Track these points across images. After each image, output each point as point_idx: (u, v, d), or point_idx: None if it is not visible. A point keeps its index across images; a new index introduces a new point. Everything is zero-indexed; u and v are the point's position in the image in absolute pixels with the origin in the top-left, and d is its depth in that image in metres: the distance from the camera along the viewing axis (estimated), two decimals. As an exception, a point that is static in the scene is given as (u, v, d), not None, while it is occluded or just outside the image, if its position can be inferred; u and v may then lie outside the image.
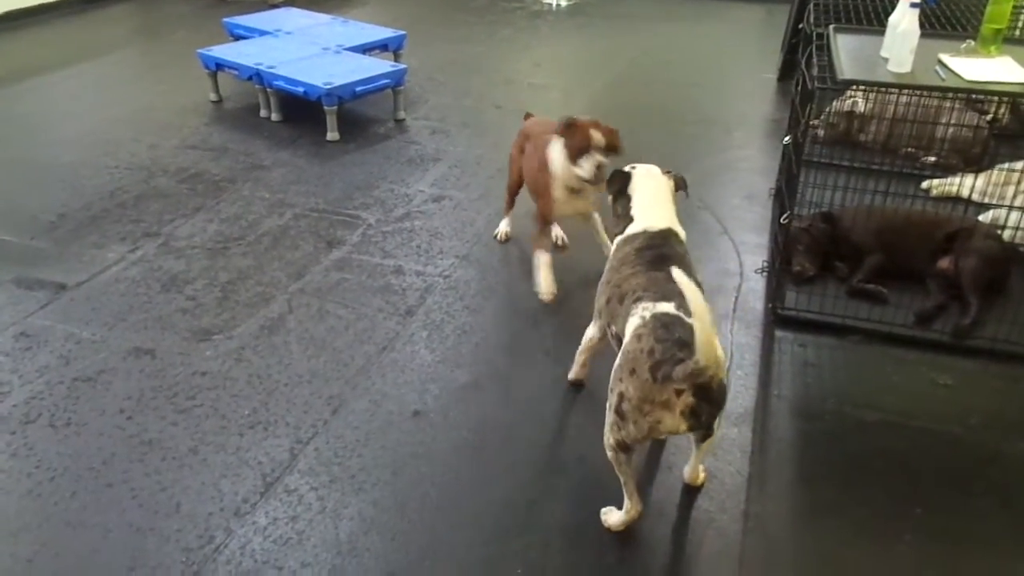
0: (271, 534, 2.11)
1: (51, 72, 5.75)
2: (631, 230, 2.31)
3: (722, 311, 3.06)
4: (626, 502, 2.07)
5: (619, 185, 2.43)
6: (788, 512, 2.21)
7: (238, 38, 5.55)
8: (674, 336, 1.82)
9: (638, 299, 1.99)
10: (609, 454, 2.01)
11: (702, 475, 2.25)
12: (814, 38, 3.18)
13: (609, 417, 1.97)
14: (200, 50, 5.03)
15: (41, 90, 5.43)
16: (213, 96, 5.16)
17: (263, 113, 4.92)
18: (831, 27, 3.17)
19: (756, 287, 3.22)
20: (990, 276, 3.05)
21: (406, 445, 2.42)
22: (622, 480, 2.04)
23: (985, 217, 3.47)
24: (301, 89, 4.51)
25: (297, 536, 2.11)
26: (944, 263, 3.13)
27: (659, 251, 2.17)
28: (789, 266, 3.18)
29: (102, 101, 5.31)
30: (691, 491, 2.26)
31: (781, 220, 3.00)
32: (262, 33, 5.42)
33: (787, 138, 3.54)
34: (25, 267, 3.31)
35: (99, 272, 3.29)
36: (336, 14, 5.99)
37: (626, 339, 1.95)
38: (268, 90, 4.77)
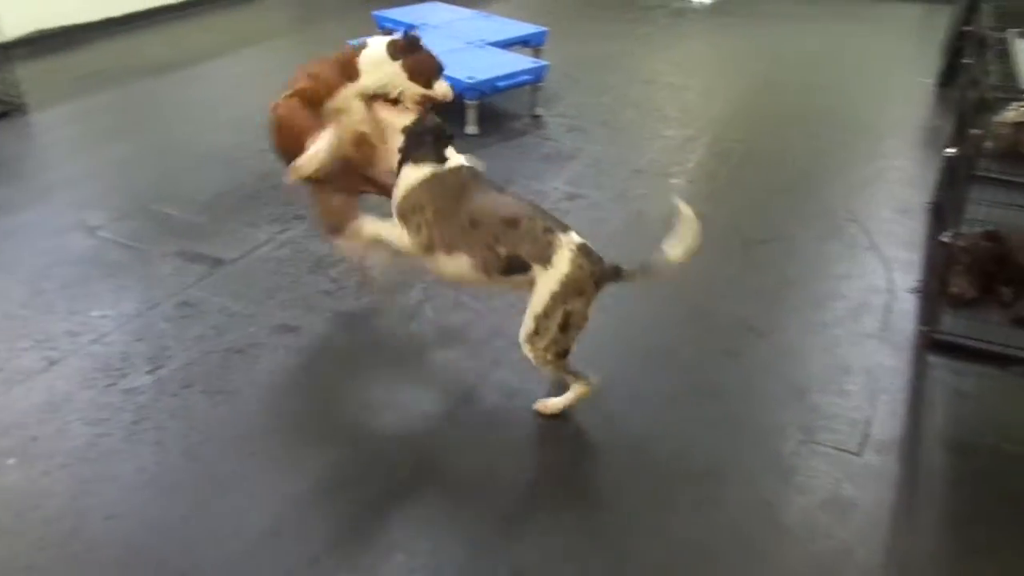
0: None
1: (216, 58, 6.13)
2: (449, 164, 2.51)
3: (868, 330, 2.91)
4: (575, 385, 2.45)
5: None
6: (934, 551, 2.08)
7: (386, 30, 5.73)
8: (597, 257, 2.36)
9: (548, 229, 2.32)
10: (551, 366, 2.40)
11: None
12: (990, 43, 2.96)
13: (548, 337, 2.34)
14: (350, 41, 5.22)
15: (207, 75, 5.81)
16: (361, 86, 5.34)
17: (406, 105, 5.05)
18: (1011, 31, 2.94)
19: (907, 308, 3.04)
20: None
21: (532, 442, 2.44)
22: (569, 378, 2.44)
23: None
24: (445, 82, 4.60)
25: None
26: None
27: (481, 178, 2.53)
28: (946, 287, 2.98)
29: (260, 87, 5.58)
30: (831, 519, 2.15)
31: (943, 238, 2.81)
32: (409, 26, 5.56)
33: (950, 149, 3.32)
34: (188, 241, 3.55)
35: (251, 250, 3.49)
36: (479, 9, 6.09)
37: (560, 269, 2.29)
38: (413, 82, 4.90)
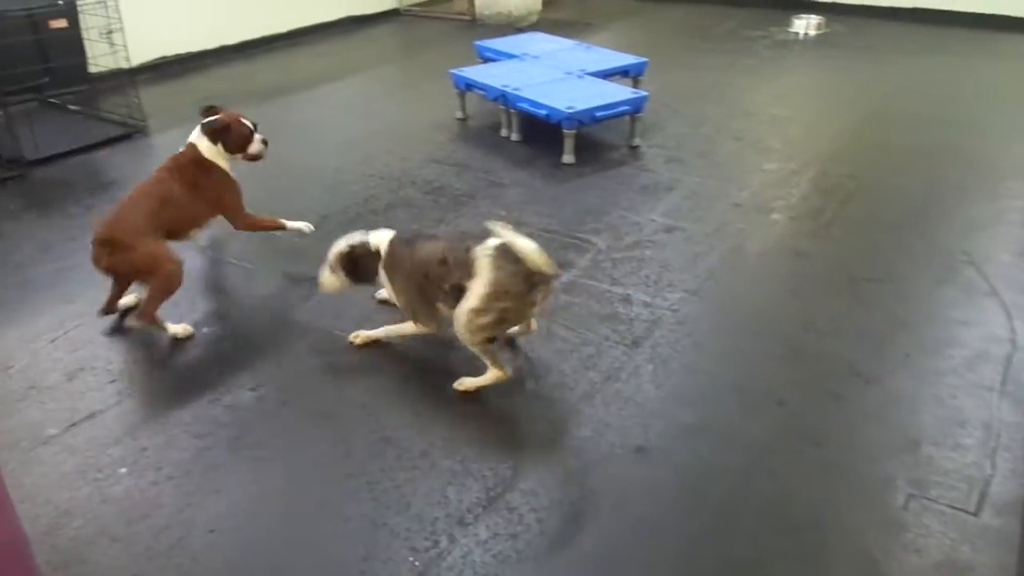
0: (491, 548, 2.16)
1: (324, 84, 6.38)
2: (385, 246, 2.94)
3: (988, 383, 2.74)
4: (492, 370, 2.72)
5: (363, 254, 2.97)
6: None
7: (487, 60, 5.83)
8: (515, 256, 2.54)
9: (467, 248, 2.62)
10: (477, 348, 2.68)
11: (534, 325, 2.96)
12: None
13: (480, 322, 2.60)
14: (452, 70, 5.34)
15: (315, 100, 6.05)
16: (459, 114, 5.46)
17: (503, 132, 5.13)
18: None
19: (1034, 357, 2.84)
20: None
21: (623, 481, 2.39)
22: (488, 361, 2.71)
23: None
24: (544, 111, 4.64)
25: (516, 555, 2.14)
26: None
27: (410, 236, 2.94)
28: (1075, 339, 2.79)
29: (364, 112, 5.81)
30: (922, 563, 2.02)
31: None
32: (510, 56, 5.65)
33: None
34: (292, 262, 3.67)
35: (351, 273, 3.57)
36: (579, 39, 6.12)
37: (484, 275, 2.56)
38: (511, 111, 4.97)
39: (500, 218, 4.02)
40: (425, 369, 2.94)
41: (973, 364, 2.85)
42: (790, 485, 2.36)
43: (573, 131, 4.61)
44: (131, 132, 5.34)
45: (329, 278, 3.00)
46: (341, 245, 2.97)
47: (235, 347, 3.08)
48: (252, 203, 3.58)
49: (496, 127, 5.20)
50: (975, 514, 2.21)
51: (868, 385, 2.77)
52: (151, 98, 5.73)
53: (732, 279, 3.50)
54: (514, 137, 5.07)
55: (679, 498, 2.33)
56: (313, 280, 3.47)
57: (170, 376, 2.96)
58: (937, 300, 3.28)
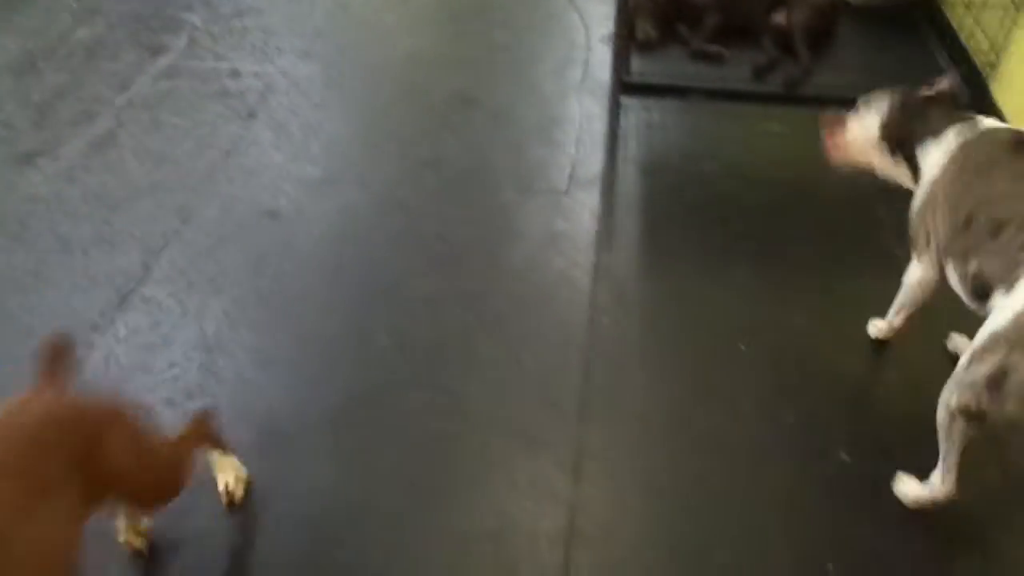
0: (134, 341, 2.10)
1: None
2: (973, 130, 1.72)
3: (570, 83, 3.08)
4: (939, 475, 1.67)
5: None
6: (634, 259, 2.38)
7: None
8: None
9: None
10: (944, 418, 1.57)
11: None
12: None
13: (971, 377, 1.49)
14: None
15: None
16: None
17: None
18: None
19: (604, 58, 3.22)
20: (819, 28, 3.16)
21: (263, 244, 2.40)
22: (945, 450, 1.62)
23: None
24: None
25: (162, 340, 2.11)
26: (778, 18, 3.21)
27: None
28: (633, 34, 3.18)
29: None
30: (547, 251, 2.37)
31: (622, -17, 2.96)
32: None
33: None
34: None
35: None
36: None
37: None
38: None
39: (70, 11, 3.50)
40: (8, 190, 2.59)
41: (560, 70, 3.17)
42: (417, 210, 2.54)
43: None
44: None
45: (862, 127, 1.92)
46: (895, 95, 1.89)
47: None
48: None
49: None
50: (565, 192, 2.57)
51: (475, 108, 2.98)
52: None
53: (340, 32, 3.44)
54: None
55: (317, 247, 2.40)
56: None
57: None
58: (528, 21, 3.53)
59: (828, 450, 1.84)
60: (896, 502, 1.73)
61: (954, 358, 1.65)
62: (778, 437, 1.88)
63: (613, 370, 2.04)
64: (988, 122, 1.77)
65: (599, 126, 2.87)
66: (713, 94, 2.97)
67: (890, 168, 1.91)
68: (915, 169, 1.83)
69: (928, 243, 1.75)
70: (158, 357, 2.06)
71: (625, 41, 3.08)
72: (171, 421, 1.89)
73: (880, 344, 2.08)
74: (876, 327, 2.09)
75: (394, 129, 2.89)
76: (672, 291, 2.27)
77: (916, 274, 1.84)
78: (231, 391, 1.98)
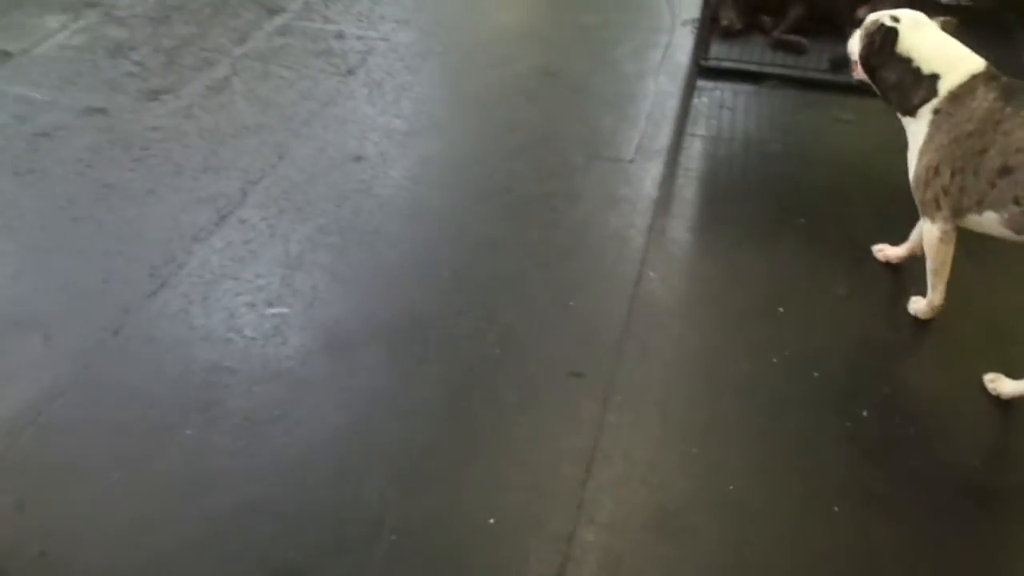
0: (227, 254, 2.36)
1: None
2: (952, 84, 1.88)
3: (649, 64, 3.21)
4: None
5: (879, 45, 1.97)
6: (688, 224, 2.51)
7: None
8: None
9: None
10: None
11: None
12: None
13: None
14: None
15: None
16: None
17: None
18: None
19: (684, 42, 3.35)
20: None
21: (348, 183, 2.64)
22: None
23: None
24: None
25: (251, 255, 2.36)
26: (862, 11, 3.25)
27: None
28: (717, 21, 3.29)
29: None
30: (606, 211, 2.52)
31: (708, -30, 3.08)
32: None
33: None
34: None
35: (43, 40, 3.33)
36: None
37: None
38: None
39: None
40: (135, 120, 2.91)
41: (641, 51, 3.31)
42: (490, 165, 2.73)
43: None
44: None
45: (854, 39, 2.12)
46: (883, 14, 2.02)
47: (-80, 127, 2.86)
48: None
49: None
50: (631, 161, 2.72)
51: (555, 80, 3.16)
52: None
53: (439, 6, 3.67)
54: None
55: (395, 189, 2.62)
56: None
57: None
58: (617, 3, 3.68)
59: (849, 406, 1.93)
60: (910, 458, 1.81)
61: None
62: (802, 390, 1.98)
63: (653, 319, 2.17)
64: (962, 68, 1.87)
65: (672, 104, 3.00)
66: (787, 81, 3.06)
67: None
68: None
69: (939, 205, 1.90)
70: (246, 268, 2.32)
71: (708, 27, 3.20)
72: (251, 322, 2.15)
73: (920, 322, 2.14)
74: (917, 306, 2.15)
75: (478, 94, 3.09)
76: (720, 255, 2.39)
77: (935, 233, 1.94)
78: (305, 303, 2.21)
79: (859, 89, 2.97)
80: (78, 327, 2.12)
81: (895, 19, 1.97)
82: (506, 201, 2.57)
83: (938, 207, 1.92)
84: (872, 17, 2.04)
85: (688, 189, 2.63)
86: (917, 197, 1.99)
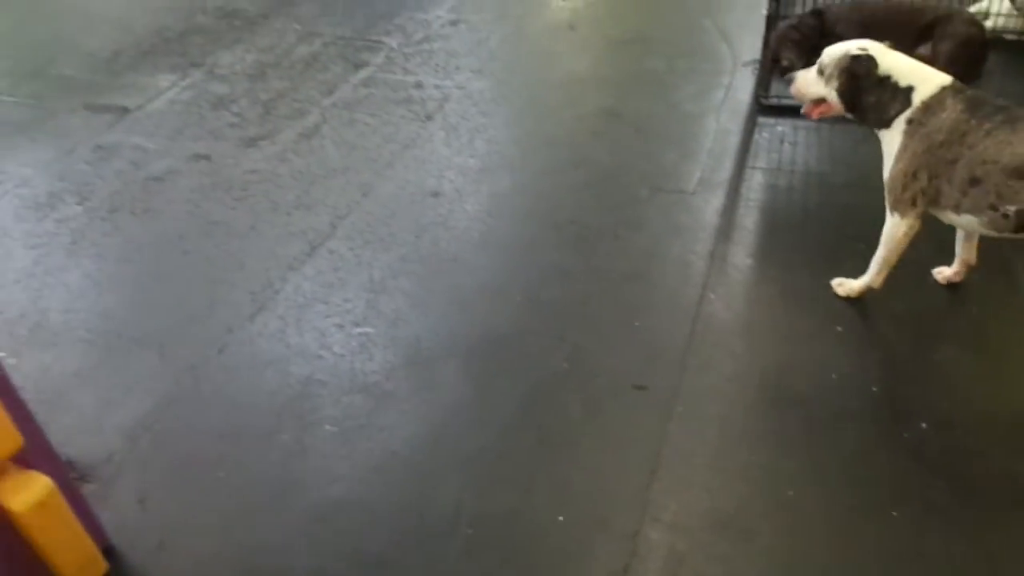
0: (318, 280, 2.59)
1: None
2: (924, 94, 2.04)
3: (710, 104, 3.36)
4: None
5: (863, 73, 2.10)
6: (748, 250, 2.61)
7: None
8: None
9: None
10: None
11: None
12: None
13: None
14: None
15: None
16: (240, -60, 5.37)
17: (288, -46, 5.14)
18: None
19: (745, 82, 3.48)
20: (965, 59, 3.25)
21: (426, 217, 2.85)
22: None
23: (971, 7, 3.62)
24: (322, -75, 4.70)
25: (339, 281, 2.58)
26: (923, 50, 3.33)
27: (997, 104, 1.98)
28: (777, 61, 3.42)
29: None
30: (669, 239, 2.66)
31: (764, 11, 3.23)
32: None
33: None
34: (91, 96, 3.73)
35: (155, 97, 3.70)
36: None
37: None
38: (291, -71, 4.97)
39: (295, 32, 4.22)
40: (236, 165, 3.20)
41: (703, 92, 3.46)
42: (558, 198, 2.90)
43: (355, -58, 4.72)
44: None
45: (813, 82, 2.24)
46: (848, 48, 2.16)
47: (54, 173, 3.21)
48: (35, 50, 3.57)
49: (280, -50, 5.19)
50: (692, 193, 2.85)
51: (620, 120, 3.33)
52: None
53: (511, 56, 3.92)
54: (299, -43, 5.10)
55: (469, 222, 2.82)
56: (119, 109, 3.57)
57: (-8, 207, 3.09)
58: (680, 49, 3.85)
59: (908, 419, 1.99)
60: (969, 469, 1.86)
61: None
62: (860, 403, 2.05)
63: (714, 337, 2.28)
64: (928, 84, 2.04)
65: (733, 140, 3.13)
66: (848, 119, 3.14)
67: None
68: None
69: (915, 204, 2.10)
70: (335, 293, 2.53)
71: (768, 68, 3.33)
72: (339, 340, 2.35)
73: (979, 339, 2.19)
74: (850, 286, 2.36)
75: (546, 134, 3.29)
76: (780, 279, 2.48)
77: (902, 228, 2.16)
78: (388, 323, 2.40)
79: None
80: (188, 345, 2.36)
81: (863, 48, 2.13)
82: (573, 231, 2.73)
83: (914, 205, 2.10)
84: (833, 54, 2.18)
85: (749, 218, 2.74)
86: (892, 197, 2.15)
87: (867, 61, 2.09)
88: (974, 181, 1.96)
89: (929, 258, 2.50)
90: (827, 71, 2.18)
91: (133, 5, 4.64)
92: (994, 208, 1.96)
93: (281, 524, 1.85)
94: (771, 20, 3.31)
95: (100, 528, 1.81)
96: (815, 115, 2.30)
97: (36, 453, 1.61)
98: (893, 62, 2.10)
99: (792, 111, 3.21)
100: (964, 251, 2.34)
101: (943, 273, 2.40)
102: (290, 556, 1.79)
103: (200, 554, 1.81)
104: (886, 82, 2.07)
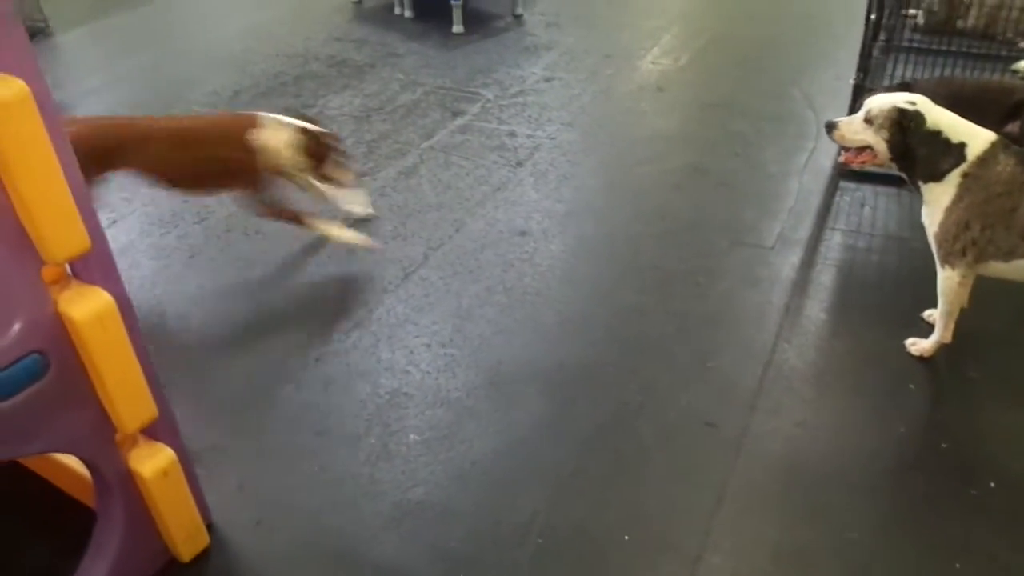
0: (410, 304, 2.78)
1: (217, -20, 6.56)
2: (978, 149, 2.13)
3: (794, 166, 3.47)
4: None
5: (913, 126, 2.17)
6: (824, 306, 2.68)
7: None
8: None
9: None
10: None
11: None
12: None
13: None
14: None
15: (210, -5, 6.27)
16: (354, -4, 5.82)
17: (397, 11, 5.53)
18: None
19: (829, 148, 3.57)
20: (1054, 137, 3.29)
21: (513, 253, 3.02)
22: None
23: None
24: (432, -15, 5.07)
25: (429, 306, 2.76)
26: (1011, 127, 3.38)
27: None
28: (861, 129, 3.51)
29: (264, 2, 6.09)
30: (746, 289, 2.76)
31: (851, 80, 3.35)
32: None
33: (872, 16, 3.81)
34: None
35: (270, 132, 4.03)
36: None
37: None
38: (402, -12, 5.37)
39: (399, 81, 4.53)
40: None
41: (787, 154, 3.57)
42: (640, 244, 3.04)
43: (460, 3, 5.07)
44: (33, 33, 5.49)
45: (859, 129, 2.30)
46: (895, 99, 2.23)
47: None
48: (166, 87, 3.92)
49: (390, 6, 5.59)
50: (771, 248, 2.95)
51: (704, 176, 3.47)
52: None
53: (601, 112, 4.12)
54: (407, 14, 5.48)
55: (553, 261, 2.98)
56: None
57: (122, 221, 3.41)
58: (767, 114, 3.98)
59: (977, 477, 2.02)
60: (1036, 528, 1.88)
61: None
62: (928, 457, 2.09)
63: (786, 383, 2.36)
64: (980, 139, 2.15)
65: (814, 201, 3.22)
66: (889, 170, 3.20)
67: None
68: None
69: (965, 254, 2.20)
70: (424, 316, 2.71)
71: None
72: (426, 358, 2.51)
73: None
74: (922, 346, 2.41)
75: (631, 185, 3.45)
76: (854, 335, 2.55)
77: (956, 279, 2.26)
78: (472, 347, 2.56)
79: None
80: (288, 353, 2.57)
81: (911, 103, 2.21)
82: (653, 276, 2.86)
83: (964, 255, 2.20)
84: (883, 105, 2.25)
85: (825, 275, 2.81)
86: (944, 248, 2.23)
87: (917, 115, 2.19)
88: None
89: (1003, 328, 2.54)
90: (876, 120, 2.26)
91: (253, 51, 5.05)
92: None
93: (366, 517, 2.00)
94: (858, 90, 3.42)
95: (206, 506, 1.99)
96: (856, 163, 2.40)
97: (164, 429, 1.81)
98: (940, 117, 2.19)
99: (874, 177, 3.31)
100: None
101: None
102: (373, 546, 1.93)
103: (292, 536, 1.97)
104: (937, 136, 2.16)
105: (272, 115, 2.94)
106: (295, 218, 2.96)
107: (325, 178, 2.99)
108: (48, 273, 1.45)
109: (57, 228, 1.36)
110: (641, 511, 1.98)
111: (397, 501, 2.04)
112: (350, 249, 3.04)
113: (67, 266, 1.49)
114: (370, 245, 3.02)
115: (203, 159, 2.85)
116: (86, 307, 1.45)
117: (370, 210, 3.25)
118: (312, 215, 3.01)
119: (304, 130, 2.91)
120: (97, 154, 2.65)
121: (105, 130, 2.79)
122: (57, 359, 1.47)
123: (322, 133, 2.97)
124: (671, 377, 2.40)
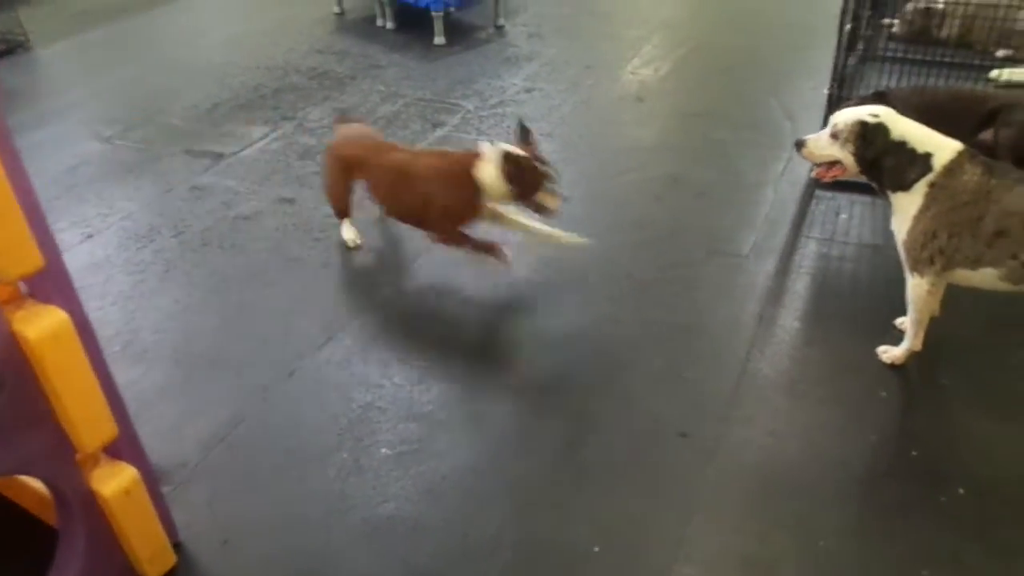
0: (385, 316, 2.77)
1: (199, -7, 6.56)
2: (944, 159, 2.15)
3: (770, 175, 3.49)
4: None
5: (877, 139, 2.20)
6: (797, 314, 2.68)
7: None
8: None
9: None
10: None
11: None
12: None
13: None
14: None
15: (194, 6, 6.25)
16: (336, 9, 5.82)
17: (379, 22, 5.54)
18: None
19: (806, 157, 3.59)
20: (1026, 146, 3.30)
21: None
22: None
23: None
24: (412, -4, 5.08)
25: (405, 318, 2.75)
26: (985, 135, 3.40)
27: (1009, 167, 2.18)
28: (837, 138, 3.53)
29: (245, 15, 6.09)
30: (721, 298, 2.76)
31: (825, 90, 3.36)
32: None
33: (847, 26, 3.84)
34: (191, 142, 4.07)
35: (248, 145, 4.02)
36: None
37: None
38: (384, 1, 5.38)
39: (379, 93, 4.53)
40: (316, 209, 3.45)
41: (764, 163, 3.59)
42: (616, 255, 3.04)
43: (441, 13, 5.08)
44: (12, 47, 5.47)
45: (826, 145, 2.32)
46: (859, 113, 2.25)
47: (154, 209, 3.52)
48: (146, 101, 3.91)
49: (372, 18, 5.60)
50: (746, 257, 2.95)
51: (681, 185, 3.47)
52: (29, 15, 5.82)
53: (581, 122, 4.13)
54: (389, 25, 5.49)
55: (532, 274, 2.97)
56: (215, 155, 3.88)
57: (98, 236, 3.39)
58: (744, 124, 4.00)
59: (946, 483, 2.02)
60: (1005, 535, 1.87)
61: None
62: (899, 464, 2.09)
63: (759, 393, 2.36)
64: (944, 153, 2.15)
65: (789, 210, 3.24)
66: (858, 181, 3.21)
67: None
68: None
69: (933, 262, 2.21)
70: (399, 328, 2.70)
71: (827, 143, 3.44)
72: (400, 371, 2.50)
73: (1022, 412, 2.22)
74: (893, 353, 2.42)
75: (610, 195, 3.46)
76: (826, 344, 2.55)
77: (925, 287, 2.26)
78: (445, 360, 2.55)
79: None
80: (262, 368, 2.56)
81: (874, 115, 2.22)
82: (628, 285, 2.86)
83: (932, 263, 2.21)
84: (847, 119, 2.26)
85: (800, 284, 2.82)
86: (912, 256, 2.25)
87: (880, 127, 2.20)
88: (1000, 233, 2.10)
89: (975, 335, 2.55)
90: (841, 135, 2.27)
91: (233, 64, 5.05)
92: (1015, 257, 2.10)
93: (336, 534, 1.98)
94: (833, 100, 3.44)
95: (172, 524, 1.97)
96: (828, 177, 2.41)
97: (126, 447, 1.80)
98: (906, 128, 2.21)
99: (849, 186, 3.30)
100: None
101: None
102: (343, 563, 1.91)
103: (260, 555, 1.96)
104: (903, 147, 2.18)
105: (490, 144, 2.74)
106: (490, 247, 2.83)
107: (536, 207, 2.75)
108: (1, 292, 1.44)
109: (8, 246, 1.35)
110: (612, 523, 1.97)
111: (367, 517, 2.02)
112: (564, 248, 2.91)
113: (21, 284, 1.48)
114: (584, 244, 2.88)
115: (420, 196, 2.82)
116: (40, 325, 1.44)
117: (583, 239, 2.92)
118: (517, 221, 2.88)
119: (514, 157, 2.68)
120: (351, 163, 2.99)
121: (361, 140, 3.08)
122: (12, 379, 1.45)
123: (534, 158, 2.73)
124: (644, 387, 2.40)
